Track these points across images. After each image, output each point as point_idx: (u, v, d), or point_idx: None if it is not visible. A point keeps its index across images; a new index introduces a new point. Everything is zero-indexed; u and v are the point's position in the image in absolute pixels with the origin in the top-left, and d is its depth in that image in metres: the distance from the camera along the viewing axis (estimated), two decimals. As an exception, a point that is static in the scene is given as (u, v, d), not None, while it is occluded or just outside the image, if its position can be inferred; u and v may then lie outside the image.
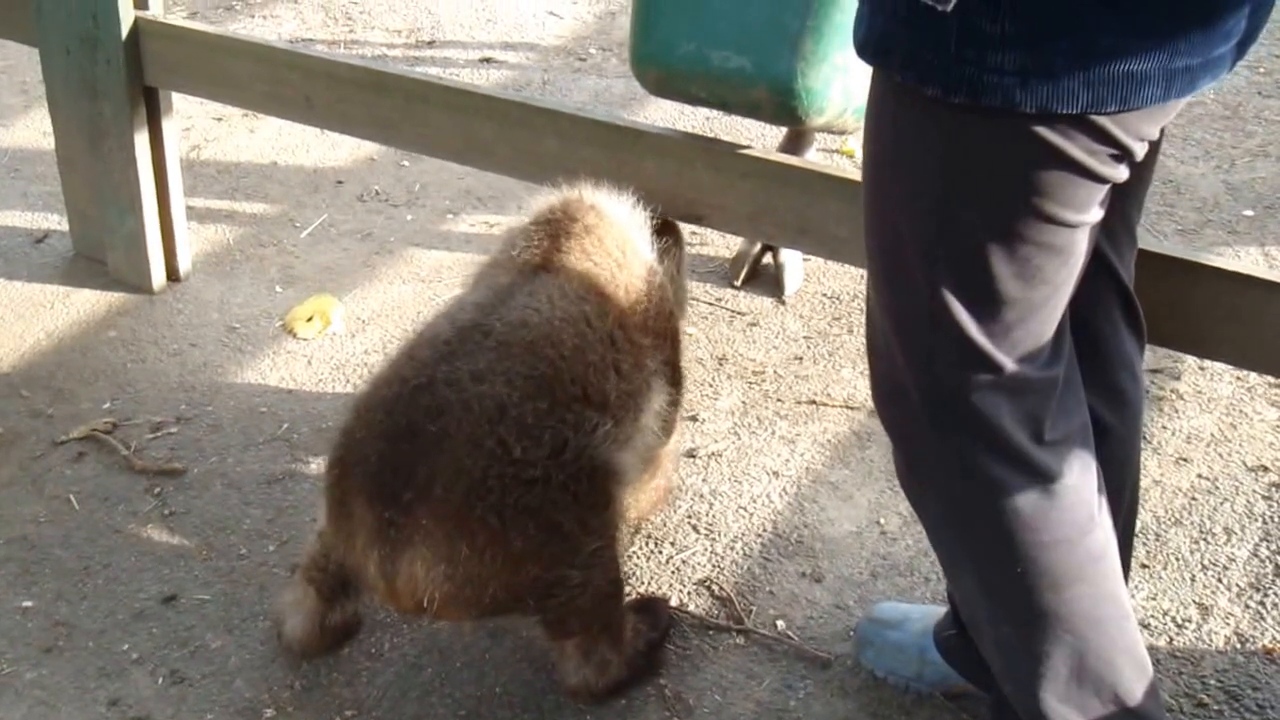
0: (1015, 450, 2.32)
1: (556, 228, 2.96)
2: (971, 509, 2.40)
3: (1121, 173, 2.17)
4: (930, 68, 2.06)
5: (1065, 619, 2.41)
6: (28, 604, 3.17)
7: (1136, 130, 2.12)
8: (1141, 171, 2.39)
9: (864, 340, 2.51)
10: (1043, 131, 2.06)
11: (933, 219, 2.21)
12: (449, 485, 2.54)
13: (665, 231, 3.25)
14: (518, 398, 2.61)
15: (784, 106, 3.14)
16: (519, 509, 2.57)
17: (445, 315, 2.84)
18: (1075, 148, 2.08)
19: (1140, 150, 2.17)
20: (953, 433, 2.34)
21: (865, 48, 2.19)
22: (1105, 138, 2.09)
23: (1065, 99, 2.01)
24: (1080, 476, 2.38)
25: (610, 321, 2.85)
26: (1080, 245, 2.24)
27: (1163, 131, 2.31)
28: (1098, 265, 2.45)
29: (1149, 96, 2.04)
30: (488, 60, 5.91)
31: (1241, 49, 2.16)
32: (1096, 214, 2.22)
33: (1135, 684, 2.48)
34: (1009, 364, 2.27)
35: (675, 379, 3.13)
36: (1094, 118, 2.05)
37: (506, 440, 2.57)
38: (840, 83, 3.12)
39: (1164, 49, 2.01)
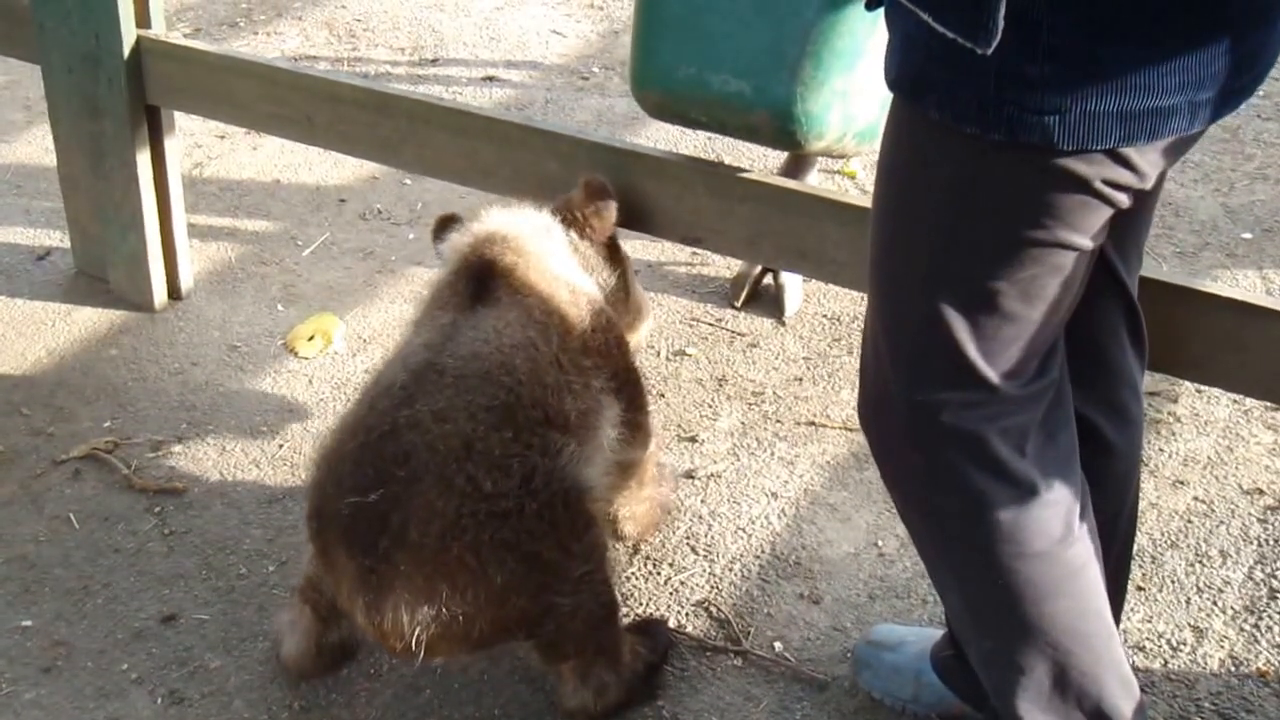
0: (998, 462, 2.35)
1: (477, 271, 2.93)
2: (953, 521, 2.43)
3: (1128, 200, 2.20)
4: (968, 107, 2.09)
5: (1046, 632, 2.44)
6: (27, 623, 3.18)
7: (1155, 159, 2.17)
8: (1154, 193, 2.44)
9: None
10: (1070, 163, 2.10)
11: (945, 239, 2.24)
12: (423, 529, 2.54)
13: (577, 209, 3.24)
14: (482, 431, 2.62)
15: (783, 131, 3.14)
16: (495, 544, 2.57)
17: (396, 360, 2.83)
18: (1097, 177, 2.12)
19: (1153, 179, 2.20)
20: (937, 445, 2.36)
21: (899, 83, 2.21)
22: (1128, 166, 2.13)
23: (1101, 135, 2.06)
24: (1060, 490, 2.40)
25: (554, 346, 2.85)
26: (1082, 267, 2.29)
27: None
28: (1108, 281, 2.49)
29: (1175, 127, 2.10)
30: (491, 79, 5.92)
31: (1261, 77, 2.20)
32: (1096, 240, 2.25)
33: (1121, 701, 2.50)
34: (998, 380, 2.30)
35: (631, 383, 3.12)
36: (1121, 149, 2.09)
37: (476, 476, 2.58)
38: (840, 108, 3.13)
39: (1190, 84, 2.06)
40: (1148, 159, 2.14)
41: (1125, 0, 1.98)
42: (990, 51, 1.98)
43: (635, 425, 3.09)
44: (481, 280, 2.91)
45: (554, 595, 2.68)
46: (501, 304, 2.87)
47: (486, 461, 2.60)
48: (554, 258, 3.08)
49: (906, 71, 2.18)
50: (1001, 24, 1.95)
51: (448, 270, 3.03)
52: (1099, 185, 2.12)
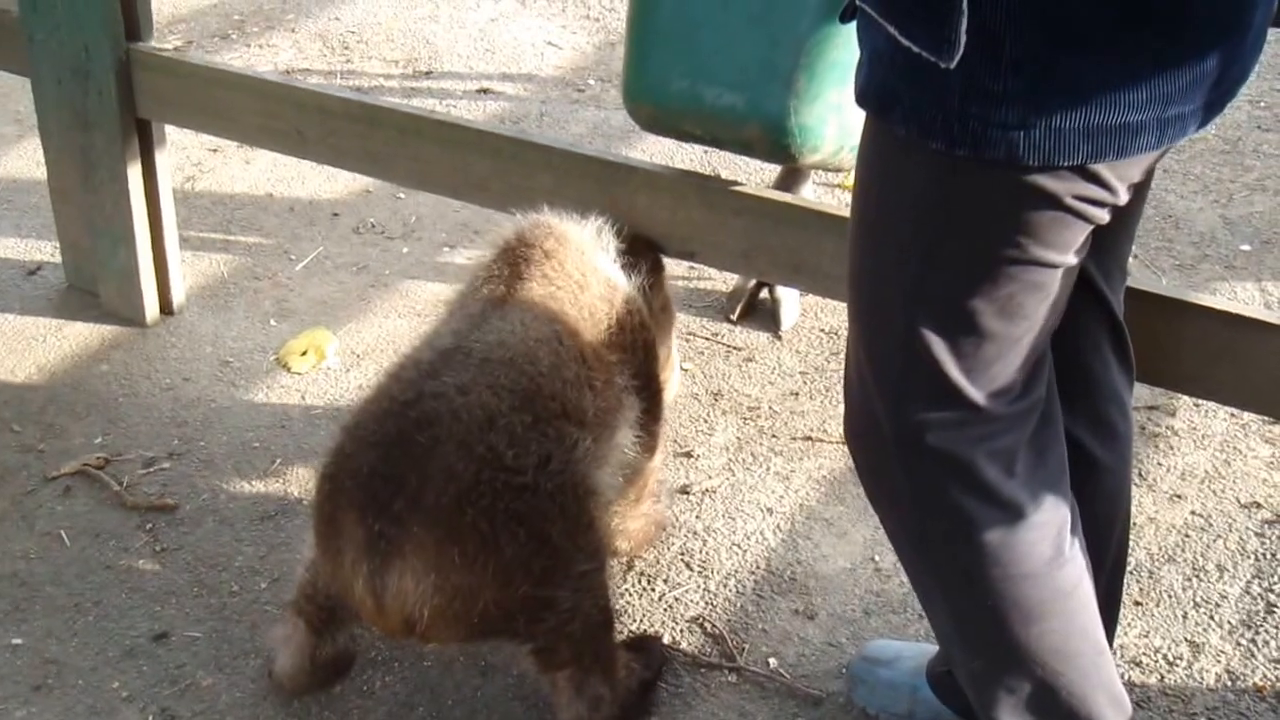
0: (985, 484, 2.33)
1: (516, 256, 2.98)
2: (940, 542, 2.42)
3: (1105, 215, 2.18)
4: (933, 122, 2.07)
5: (1035, 653, 2.43)
6: (17, 641, 3.16)
7: (1126, 175, 2.15)
8: (1133, 207, 2.41)
9: None
10: (1039, 180, 2.08)
11: (919, 258, 2.22)
12: (440, 491, 2.54)
13: (636, 249, 3.27)
14: (505, 408, 2.64)
15: (777, 144, 3.12)
16: (509, 515, 2.57)
17: (424, 343, 2.88)
18: (1068, 194, 2.10)
19: (1126, 194, 2.18)
20: (923, 466, 2.35)
21: (865, 97, 2.20)
22: (1098, 183, 2.11)
23: (1067, 151, 2.04)
24: (1051, 511, 2.39)
25: (579, 340, 2.87)
26: (1064, 283, 2.28)
27: (1151, 170, 2.31)
28: (1090, 298, 2.48)
29: (1144, 144, 2.08)
30: (485, 91, 5.90)
31: (1233, 91, 2.17)
32: (1078, 255, 2.24)
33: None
34: (982, 400, 2.28)
35: (652, 390, 3.14)
36: (1090, 166, 2.07)
37: (497, 446, 2.59)
38: (835, 121, 3.11)
39: (1158, 99, 2.04)
40: (1118, 174, 2.12)
41: (1086, 14, 1.96)
42: (954, 66, 1.98)
43: (649, 431, 3.11)
44: (519, 263, 2.95)
45: (557, 587, 2.68)
46: (533, 292, 2.91)
47: (508, 435, 2.62)
48: (598, 254, 3.11)
49: (873, 86, 2.17)
50: (964, 38, 1.95)
51: (490, 252, 3.06)
52: (1070, 201, 2.11)
